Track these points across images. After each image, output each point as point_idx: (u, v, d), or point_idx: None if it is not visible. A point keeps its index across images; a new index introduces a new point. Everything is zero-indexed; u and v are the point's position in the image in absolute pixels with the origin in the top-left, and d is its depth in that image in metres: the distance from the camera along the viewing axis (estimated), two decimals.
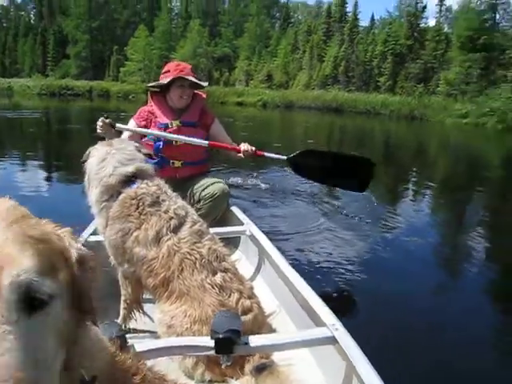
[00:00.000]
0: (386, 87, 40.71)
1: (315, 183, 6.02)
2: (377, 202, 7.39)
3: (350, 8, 52.33)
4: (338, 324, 1.82)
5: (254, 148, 3.56)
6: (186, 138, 3.43)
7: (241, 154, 3.51)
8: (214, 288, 1.94)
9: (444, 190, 9.70)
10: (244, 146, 3.51)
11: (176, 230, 2.06)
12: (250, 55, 59.26)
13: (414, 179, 10.65)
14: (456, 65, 35.05)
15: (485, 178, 11.55)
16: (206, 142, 3.49)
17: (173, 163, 3.55)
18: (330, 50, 48.61)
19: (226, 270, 2.04)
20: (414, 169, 12.03)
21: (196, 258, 1.99)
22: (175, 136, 3.42)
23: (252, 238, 3.13)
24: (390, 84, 40.68)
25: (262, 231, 3.22)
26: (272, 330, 2.17)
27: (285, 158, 3.74)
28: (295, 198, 7.03)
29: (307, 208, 6.51)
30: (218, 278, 1.98)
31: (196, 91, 3.71)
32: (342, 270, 4.20)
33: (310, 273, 3.97)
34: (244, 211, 3.82)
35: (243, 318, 1.88)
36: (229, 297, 1.96)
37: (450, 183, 10.69)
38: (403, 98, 36.12)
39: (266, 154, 3.63)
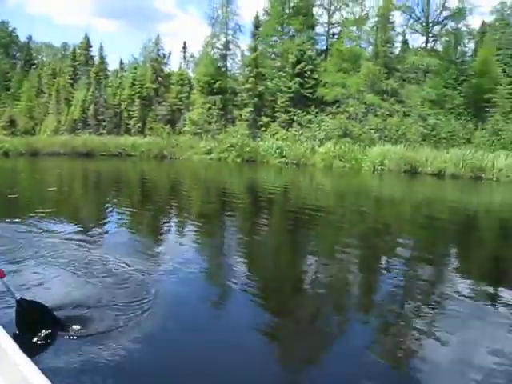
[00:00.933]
0: (136, 129, 40.87)
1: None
2: (135, 242, 7.28)
3: (96, 51, 51.52)
4: None
5: None
6: None
7: None
8: None
9: (202, 217, 10.13)
10: None
11: None
12: None
13: (173, 213, 11.16)
14: (198, 106, 37.42)
15: (233, 203, 12.90)
16: None
17: None
18: (77, 93, 46.74)
19: None
20: (172, 203, 12.70)
21: None
22: None
23: None
24: (139, 126, 40.96)
25: None
26: None
27: (17, 297, 3.24)
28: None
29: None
30: None
31: None
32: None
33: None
34: None
35: None
36: None
37: (206, 211, 11.69)
38: (153, 138, 36.75)
39: (6, 279, 3.14)
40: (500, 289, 5.78)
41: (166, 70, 44.53)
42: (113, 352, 3.40)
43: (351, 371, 3.44)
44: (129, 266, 5.43)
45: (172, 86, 42.26)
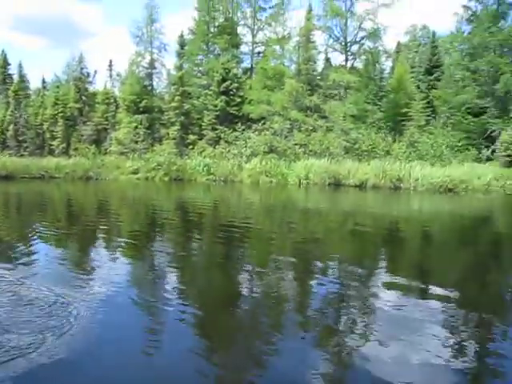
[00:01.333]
0: (60, 150, 39.43)
1: None
2: (60, 265, 6.89)
3: (15, 69, 49.33)
4: None
5: None
6: None
7: None
8: None
9: (131, 237, 9.80)
10: None
11: None
12: None
13: (101, 234, 10.48)
14: (124, 125, 36.75)
15: (163, 221, 12.78)
16: None
17: None
18: None
19: None
20: (100, 224, 11.97)
21: None
22: None
23: None
24: (63, 147, 39.57)
25: None
26: None
27: None
28: None
29: None
30: None
31: None
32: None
33: None
34: None
35: None
36: None
37: (136, 231, 10.86)
38: (77, 159, 35.59)
39: None
40: (428, 287, 6.14)
41: (91, 88, 43.54)
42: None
43: None
44: (51, 289, 5.14)
45: (97, 105, 41.29)
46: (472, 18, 36.10)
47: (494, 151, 32.35)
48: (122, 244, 9.05)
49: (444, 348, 4.05)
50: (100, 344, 3.94)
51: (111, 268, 6.73)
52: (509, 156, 30.84)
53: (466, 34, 37.67)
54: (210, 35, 38.15)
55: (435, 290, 5.88)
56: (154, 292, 5.68)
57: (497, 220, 15.16)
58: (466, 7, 35.98)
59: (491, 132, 33.31)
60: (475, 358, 3.95)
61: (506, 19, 35.81)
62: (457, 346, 4.15)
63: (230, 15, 38.58)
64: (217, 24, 38.51)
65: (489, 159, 31.57)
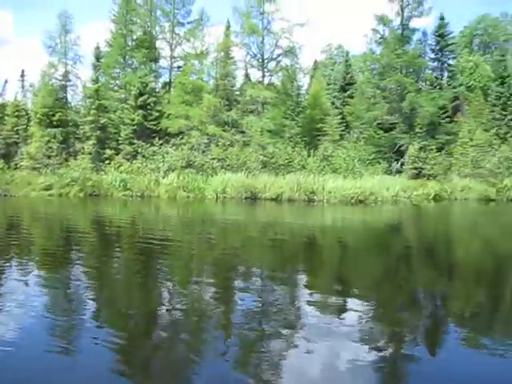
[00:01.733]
0: None
1: None
2: None
3: None
4: None
5: None
6: None
7: None
8: None
9: (45, 256, 9.35)
10: None
11: None
12: None
13: (10, 253, 9.65)
14: (37, 139, 35.15)
15: (79, 238, 12.08)
16: None
17: None
18: None
19: None
20: (10, 243, 11.19)
21: None
22: None
23: None
24: None
25: None
26: None
27: None
28: None
29: None
30: None
31: None
32: None
33: None
34: None
35: None
36: None
37: (49, 249, 10.31)
38: None
39: None
40: (346, 290, 6.52)
41: (0, 99, 41.29)
42: None
43: None
44: None
45: (7, 118, 39.18)
46: (380, 40, 38.43)
47: (402, 164, 34.48)
48: (34, 263, 8.63)
49: (365, 348, 4.31)
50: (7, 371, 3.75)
51: (21, 288, 6.39)
52: (415, 168, 33.05)
53: (376, 55, 40.01)
54: (128, 48, 37.49)
55: (353, 292, 6.33)
56: (69, 312, 5.44)
57: (404, 228, 16.19)
58: (374, 30, 38.27)
59: (400, 146, 35.46)
60: (393, 354, 4.28)
61: (410, 43, 38.58)
62: (375, 345, 4.42)
63: (149, 29, 38.22)
64: (134, 37, 37.97)
65: (398, 172, 33.56)
